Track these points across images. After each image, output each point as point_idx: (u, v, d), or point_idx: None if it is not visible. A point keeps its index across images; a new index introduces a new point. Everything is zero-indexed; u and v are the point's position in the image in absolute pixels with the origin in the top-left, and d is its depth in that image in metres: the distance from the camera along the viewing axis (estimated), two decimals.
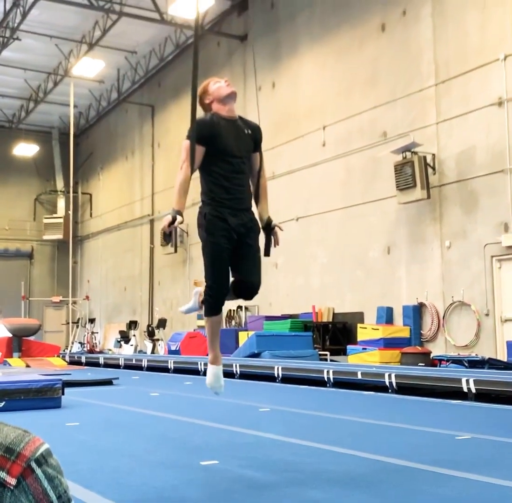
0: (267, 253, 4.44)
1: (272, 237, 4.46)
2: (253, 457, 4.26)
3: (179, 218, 4.05)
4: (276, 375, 10.50)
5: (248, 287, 4.27)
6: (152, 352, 21.05)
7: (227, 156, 4.13)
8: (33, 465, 1.03)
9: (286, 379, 10.37)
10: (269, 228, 4.44)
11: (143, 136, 25.12)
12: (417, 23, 14.23)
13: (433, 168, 13.64)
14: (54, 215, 29.04)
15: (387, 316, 14.60)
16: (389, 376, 8.65)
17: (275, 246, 4.49)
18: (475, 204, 12.96)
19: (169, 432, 5.45)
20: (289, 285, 17.47)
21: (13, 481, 1.00)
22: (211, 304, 4.17)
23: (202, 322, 20.68)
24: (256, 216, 4.36)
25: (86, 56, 21.94)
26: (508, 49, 12.38)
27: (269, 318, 17.02)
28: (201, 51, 22.55)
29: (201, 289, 4.38)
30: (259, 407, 7.11)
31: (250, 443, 4.82)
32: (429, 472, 3.78)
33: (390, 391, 8.59)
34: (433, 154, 13.69)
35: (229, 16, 19.94)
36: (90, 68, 22.59)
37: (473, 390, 7.50)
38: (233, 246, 4.12)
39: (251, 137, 4.28)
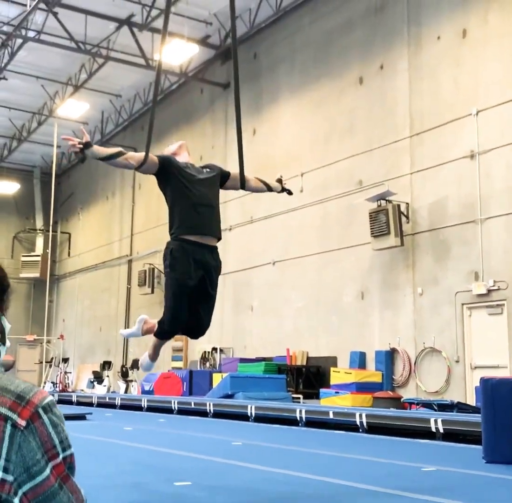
0: (290, 193, 5.47)
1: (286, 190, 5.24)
2: (225, 480, 4.42)
3: (76, 140, 4.18)
4: (249, 414, 10.61)
5: (198, 327, 4.48)
6: (125, 393, 20.94)
7: (190, 187, 4.43)
8: (40, 411, 1.22)
9: (259, 418, 10.48)
10: (283, 188, 5.19)
11: (124, 178, 25.39)
12: (393, 77, 14.79)
13: (407, 217, 14.02)
14: (32, 253, 29.01)
15: (360, 360, 14.76)
16: (360, 415, 8.82)
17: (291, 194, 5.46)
18: (446, 253, 13.32)
19: (143, 459, 5.58)
20: (264, 327, 17.61)
21: (23, 423, 1.18)
22: (164, 334, 4.44)
23: (176, 363, 20.71)
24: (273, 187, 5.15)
25: (71, 98, 22.33)
26: (480, 104, 12.91)
27: (243, 360, 17.10)
28: (184, 97, 22.96)
29: (145, 316, 4.65)
30: (232, 441, 7.24)
31: (223, 469, 4.97)
32: (394, 495, 3.97)
33: (361, 430, 8.74)
34: (407, 203, 14.08)
35: (212, 64, 20.48)
36: (75, 110, 22.96)
37: (441, 430, 7.70)
38: (195, 285, 4.29)
39: (213, 172, 4.68)
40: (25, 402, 1.20)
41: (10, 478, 1.15)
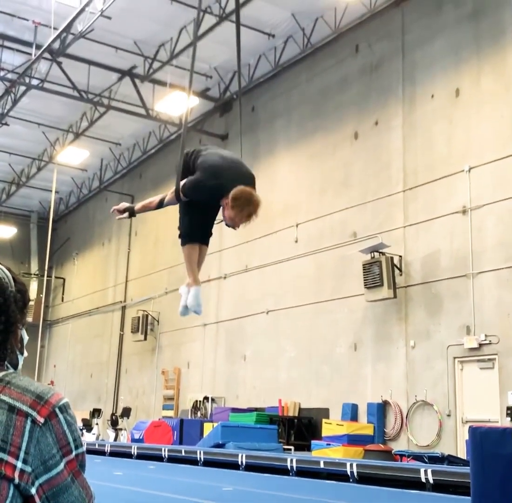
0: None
1: None
2: None
3: (126, 205, 4.75)
4: (239, 463, 10.56)
5: None
6: (115, 441, 20.70)
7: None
8: (57, 410, 1.35)
9: (250, 467, 10.43)
10: None
11: (121, 225, 25.58)
12: (388, 133, 15.14)
13: (400, 269, 14.17)
14: None
15: (352, 412, 14.70)
16: (351, 465, 8.81)
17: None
18: (439, 306, 13.42)
19: (134, 499, 5.58)
20: (257, 377, 17.57)
21: (41, 420, 1.31)
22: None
23: (167, 412, 20.56)
24: None
25: (72, 145, 22.69)
26: (473, 161, 13.21)
27: (235, 410, 16.98)
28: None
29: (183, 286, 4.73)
30: (223, 487, 7.23)
31: None
32: None
33: (351, 480, 8.72)
34: (400, 256, 14.25)
35: (211, 116, 20.92)
36: (75, 157, 23.31)
37: (431, 481, 7.70)
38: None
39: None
40: (44, 401, 1.34)
41: (28, 469, 1.27)
